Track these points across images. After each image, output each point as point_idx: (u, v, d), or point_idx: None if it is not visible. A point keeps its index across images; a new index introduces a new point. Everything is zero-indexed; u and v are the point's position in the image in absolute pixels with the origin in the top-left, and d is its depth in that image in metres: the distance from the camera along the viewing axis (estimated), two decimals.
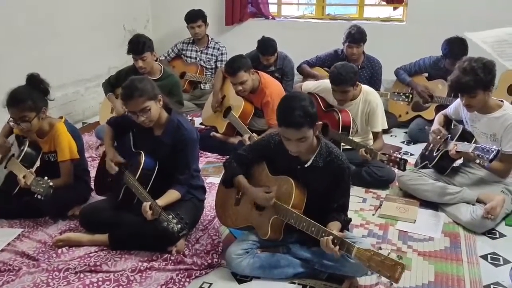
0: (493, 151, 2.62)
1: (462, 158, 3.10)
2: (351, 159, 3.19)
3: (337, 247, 2.10)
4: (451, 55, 4.12)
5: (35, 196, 2.68)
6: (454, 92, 3.03)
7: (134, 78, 2.71)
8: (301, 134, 2.22)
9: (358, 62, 4.54)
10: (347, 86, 3.36)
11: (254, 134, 3.68)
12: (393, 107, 4.60)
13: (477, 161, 2.75)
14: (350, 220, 2.44)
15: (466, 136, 3.02)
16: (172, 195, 2.63)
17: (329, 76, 3.47)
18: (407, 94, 4.20)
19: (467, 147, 2.84)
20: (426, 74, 4.53)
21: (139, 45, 3.85)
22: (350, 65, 3.44)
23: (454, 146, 2.91)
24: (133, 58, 3.91)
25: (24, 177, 2.72)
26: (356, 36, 4.40)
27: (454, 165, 3.18)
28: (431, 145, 3.28)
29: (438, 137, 3.15)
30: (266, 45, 4.55)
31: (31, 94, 2.83)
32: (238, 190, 2.61)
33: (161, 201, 2.53)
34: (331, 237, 2.12)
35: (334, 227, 2.27)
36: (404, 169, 3.07)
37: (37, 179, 2.69)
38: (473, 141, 2.95)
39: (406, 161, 3.04)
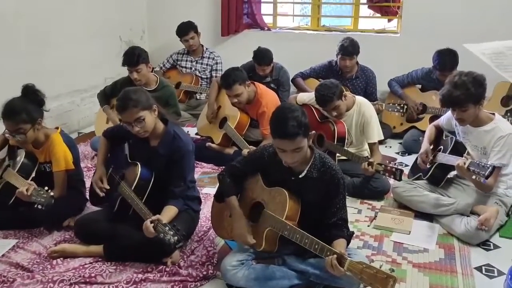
0: (488, 167, 2.60)
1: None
2: (347, 170, 3.22)
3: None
4: (441, 67, 4.15)
5: (36, 206, 2.66)
6: (446, 107, 3.06)
7: (128, 89, 2.72)
8: (296, 144, 2.22)
9: (352, 72, 4.59)
10: (334, 101, 3.39)
11: (251, 147, 3.68)
12: (388, 118, 4.63)
13: (473, 177, 2.71)
14: (353, 233, 2.41)
15: (458, 148, 3.03)
16: (171, 211, 2.59)
17: (316, 101, 3.52)
18: (402, 105, 4.23)
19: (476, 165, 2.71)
20: (420, 86, 4.56)
21: (133, 57, 3.84)
22: (328, 81, 3.49)
23: (464, 163, 2.75)
24: (128, 70, 3.90)
25: (27, 188, 2.70)
26: (349, 49, 4.42)
27: (448, 176, 3.20)
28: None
29: (423, 161, 3.16)
30: (262, 55, 4.59)
31: (26, 106, 2.83)
32: None
33: (165, 219, 2.45)
34: (335, 256, 2.09)
35: (340, 245, 2.23)
36: (400, 179, 3.09)
37: (38, 189, 2.68)
38: (465, 153, 2.96)
39: (402, 171, 3.07)
